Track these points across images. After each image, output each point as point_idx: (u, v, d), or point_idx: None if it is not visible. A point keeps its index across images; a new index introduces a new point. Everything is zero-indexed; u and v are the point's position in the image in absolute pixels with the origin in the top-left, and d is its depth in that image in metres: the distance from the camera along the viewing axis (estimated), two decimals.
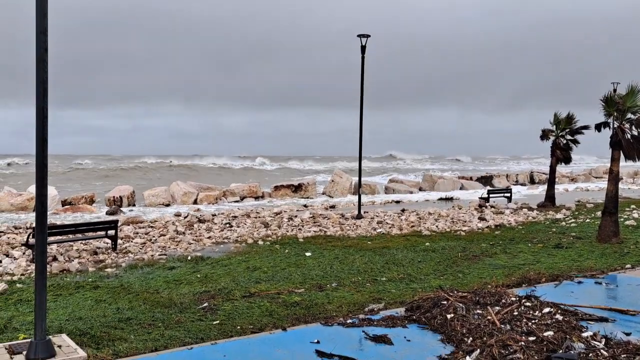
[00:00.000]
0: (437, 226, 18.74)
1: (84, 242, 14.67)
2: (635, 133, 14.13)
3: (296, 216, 21.49)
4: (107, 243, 14.62)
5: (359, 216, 21.28)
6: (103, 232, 14.36)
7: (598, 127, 14.87)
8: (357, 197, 22.97)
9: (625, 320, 7.73)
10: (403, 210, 23.90)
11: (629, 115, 14.14)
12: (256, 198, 34.27)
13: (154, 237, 16.38)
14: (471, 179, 45.92)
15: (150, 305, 8.68)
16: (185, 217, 21.33)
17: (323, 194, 37.66)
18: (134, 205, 29.61)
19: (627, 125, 14.15)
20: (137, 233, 17.07)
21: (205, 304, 8.73)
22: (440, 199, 33.49)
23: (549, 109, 27.23)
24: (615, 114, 14.14)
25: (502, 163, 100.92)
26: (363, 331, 7.28)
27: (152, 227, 18.67)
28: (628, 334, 6.90)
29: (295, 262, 12.29)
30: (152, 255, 13.35)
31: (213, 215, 22.00)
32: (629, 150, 14.01)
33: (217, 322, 7.86)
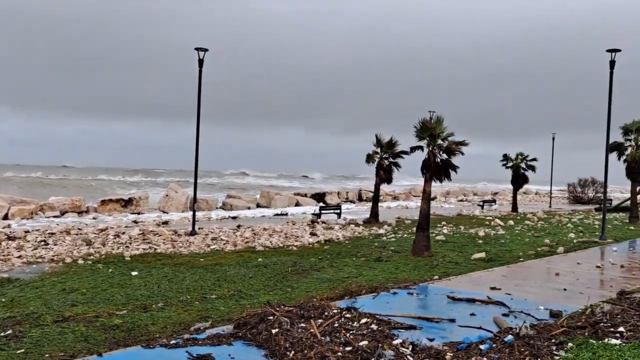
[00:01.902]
0: (270, 242, 19.04)
1: None
2: (444, 157, 15.88)
3: (124, 233, 20.36)
4: None
5: (193, 232, 20.82)
6: None
7: (413, 149, 16.44)
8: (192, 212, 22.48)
9: (431, 327, 8.51)
10: (239, 226, 23.90)
11: (439, 142, 15.85)
12: (80, 213, 31.81)
13: None
14: (306, 195, 47.54)
15: None
16: None
17: (157, 209, 36.23)
18: None
19: (437, 150, 15.84)
20: None
21: (9, 331, 7.83)
22: (276, 214, 34.16)
23: (384, 133, 30.28)
24: (427, 139, 15.75)
25: (343, 181, 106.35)
26: (187, 351, 7.08)
27: None
28: (432, 340, 7.59)
29: (120, 282, 11.61)
30: None
31: (26, 231, 19.93)
32: (436, 172, 15.70)
33: (22, 350, 7.10)
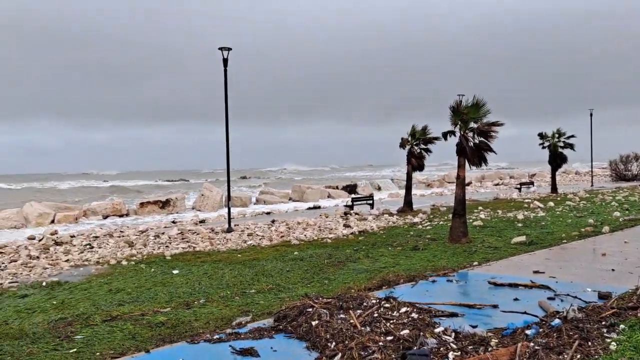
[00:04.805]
0: (305, 235, 19.14)
1: None
2: (477, 141, 15.60)
3: (163, 233, 20.77)
4: None
5: (229, 229, 21.10)
6: None
7: (445, 135, 16.19)
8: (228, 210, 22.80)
9: (473, 314, 8.44)
10: (273, 221, 24.08)
11: (472, 125, 15.55)
12: (121, 216, 32.63)
13: (2, 263, 14.92)
14: (337, 187, 47.57)
15: None
16: (40, 240, 19.68)
17: (193, 208, 36.89)
18: None
19: (470, 134, 15.57)
20: None
21: (62, 332, 8.13)
22: (309, 208, 34.31)
23: (412, 122, 30.07)
24: (460, 123, 15.49)
25: (378, 169, 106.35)
26: (230, 345, 7.23)
27: (1, 252, 17.00)
28: (474, 327, 7.52)
29: (162, 281, 11.89)
30: (0, 284, 12.16)
31: (72, 236, 20.55)
32: (471, 156, 15.39)
33: (75, 350, 7.37)
